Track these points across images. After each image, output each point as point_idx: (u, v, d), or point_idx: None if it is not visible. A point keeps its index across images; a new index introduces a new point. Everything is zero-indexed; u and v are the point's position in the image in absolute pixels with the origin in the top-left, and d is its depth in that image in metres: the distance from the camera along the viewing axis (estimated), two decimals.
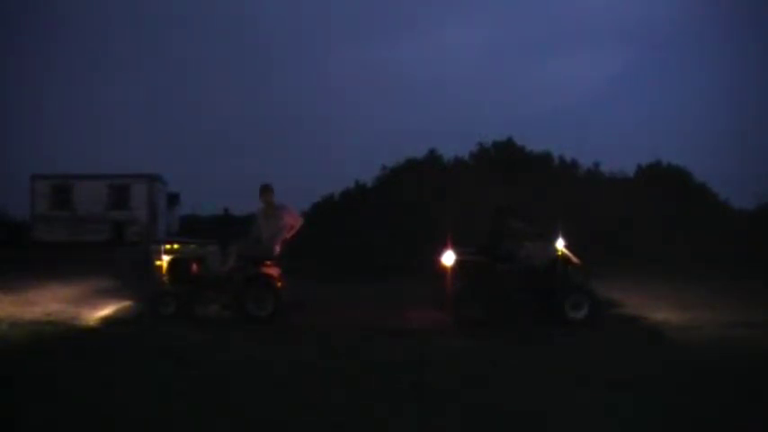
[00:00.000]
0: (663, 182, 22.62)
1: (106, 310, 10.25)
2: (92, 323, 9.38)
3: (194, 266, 9.96)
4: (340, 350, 7.75)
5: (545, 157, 25.22)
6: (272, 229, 10.04)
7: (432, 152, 25.82)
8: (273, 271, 9.89)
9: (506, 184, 19.98)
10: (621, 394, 5.78)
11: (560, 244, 9.95)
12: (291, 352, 7.69)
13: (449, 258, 9.85)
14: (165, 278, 9.92)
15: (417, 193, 21.88)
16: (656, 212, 20.16)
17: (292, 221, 10.28)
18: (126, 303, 10.65)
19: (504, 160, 23.86)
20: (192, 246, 10.39)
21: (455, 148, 26.25)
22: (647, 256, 17.29)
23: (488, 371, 6.78)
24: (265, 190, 10.18)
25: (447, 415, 5.22)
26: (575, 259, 9.92)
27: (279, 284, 9.83)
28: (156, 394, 5.76)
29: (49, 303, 10.67)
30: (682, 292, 12.20)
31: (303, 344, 8.16)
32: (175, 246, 10.22)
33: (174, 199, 30.41)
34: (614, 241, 18.70)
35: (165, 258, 9.97)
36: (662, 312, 10.08)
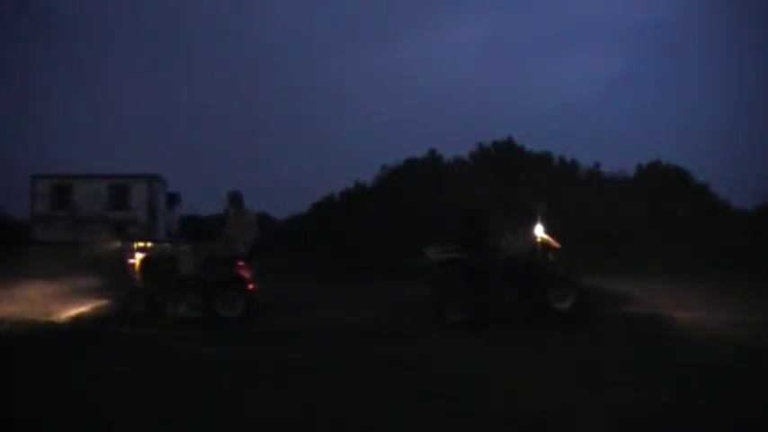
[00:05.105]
0: (663, 182, 22.64)
1: (82, 308, 10.30)
2: (62, 320, 9.44)
3: (166, 265, 9.95)
4: (339, 351, 7.74)
5: (545, 157, 25.25)
6: (240, 228, 10.09)
7: (432, 152, 25.85)
8: (245, 272, 9.89)
9: (506, 184, 19.99)
10: (621, 394, 5.77)
11: (539, 231, 9.88)
12: (291, 352, 7.68)
13: (427, 258, 9.84)
14: (137, 276, 9.94)
15: (417, 193, 21.89)
16: (656, 212, 20.17)
17: (257, 223, 10.38)
18: (104, 301, 10.73)
19: (504, 160, 23.88)
20: (166, 245, 10.44)
21: (455, 148, 26.24)
22: (647, 256, 17.28)
23: (488, 371, 6.77)
24: (237, 197, 10.23)
25: (447, 416, 5.21)
26: (555, 244, 9.86)
27: (250, 286, 9.81)
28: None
29: (27, 302, 10.70)
30: (681, 291, 12.20)
31: (302, 344, 8.14)
32: (148, 244, 10.25)
33: (174, 199, 30.34)
34: (614, 241, 18.71)
35: (138, 256, 9.99)
36: (662, 312, 10.07)
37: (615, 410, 5.31)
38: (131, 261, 9.95)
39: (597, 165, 24.88)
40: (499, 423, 5.05)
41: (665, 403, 5.55)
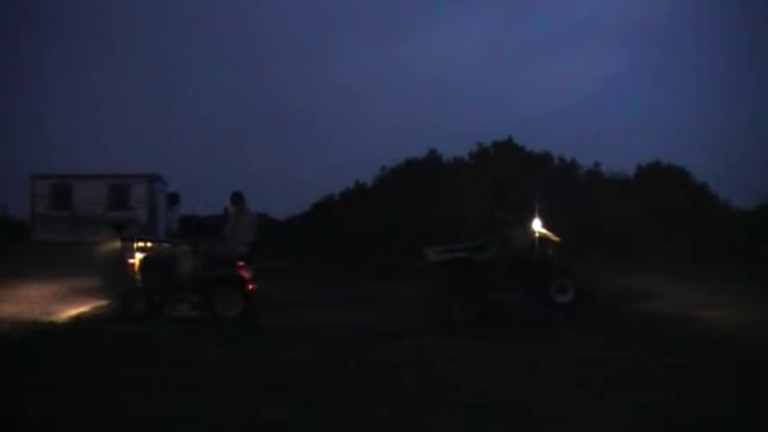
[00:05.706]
0: (663, 182, 22.63)
1: (82, 308, 10.33)
2: (62, 320, 9.45)
3: (166, 265, 9.98)
4: (340, 351, 7.74)
5: (545, 157, 25.23)
6: (240, 228, 10.16)
7: (432, 152, 25.84)
8: (245, 272, 9.90)
9: (506, 184, 19.97)
10: (622, 394, 5.77)
11: (537, 225, 9.94)
12: (291, 352, 7.68)
13: (427, 258, 9.86)
14: (137, 276, 9.95)
15: (417, 193, 21.89)
16: (655, 212, 20.15)
17: (257, 223, 10.47)
18: (104, 301, 10.75)
19: (504, 160, 23.86)
20: (165, 245, 10.48)
21: (455, 148, 26.23)
22: (647, 256, 17.27)
23: (488, 371, 6.77)
24: (238, 197, 10.36)
25: (447, 416, 5.21)
26: (554, 237, 9.90)
27: (250, 286, 9.83)
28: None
29: (27, 302, 10.70)
30: (681, 292, 12.18)
31: (303, 344, 8.15)
32: (148, 244, 10.28)
33: (174, 199, 30.35)
34: (614, 241, 18.70)
35: (138, 256, 10.00)
36: (662, 311, 10.07)
37: (615, 411, 5.31)
38: (131, 261, 9.98)
39: (597, 165, 24.88)
40: (499, 423, 5.05)
41: (668, 403, 5.54)
